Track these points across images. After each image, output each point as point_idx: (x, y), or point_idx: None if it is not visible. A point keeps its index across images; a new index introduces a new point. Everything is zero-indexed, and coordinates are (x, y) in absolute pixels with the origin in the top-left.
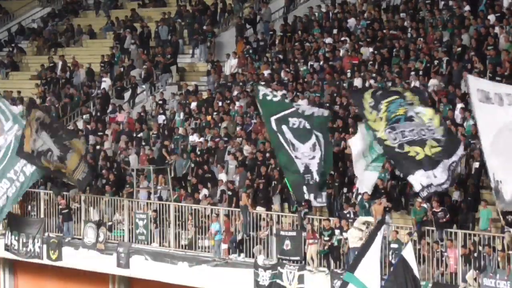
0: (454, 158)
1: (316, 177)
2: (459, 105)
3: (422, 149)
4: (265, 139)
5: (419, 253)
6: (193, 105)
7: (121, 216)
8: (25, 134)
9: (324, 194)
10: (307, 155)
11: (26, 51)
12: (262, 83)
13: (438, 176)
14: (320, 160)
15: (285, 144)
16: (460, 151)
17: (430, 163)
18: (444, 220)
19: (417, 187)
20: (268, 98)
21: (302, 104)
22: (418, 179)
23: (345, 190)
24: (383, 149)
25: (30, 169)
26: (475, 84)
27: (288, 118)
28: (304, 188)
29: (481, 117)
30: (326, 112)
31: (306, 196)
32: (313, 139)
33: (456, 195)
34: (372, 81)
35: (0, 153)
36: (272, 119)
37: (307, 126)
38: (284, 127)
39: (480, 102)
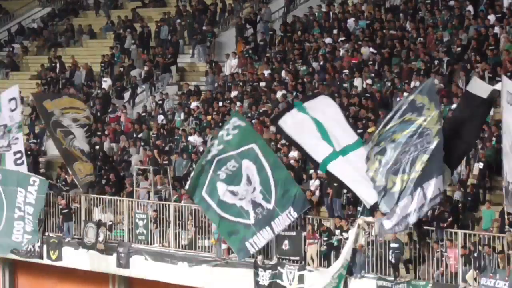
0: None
1: (265, 205)
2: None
3: (402, 177)
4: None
5: (419, 253)
6: (193, 105)
7: (106, 214)
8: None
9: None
10: (249, 191)
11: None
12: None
13: (426, 188)
14: (264, 185)
15: (223, 211)
16: (438, 185)
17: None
18: (445, 224)
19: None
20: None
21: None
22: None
23: (345, 190)
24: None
25: (33, 195)
26: (507, 85)
27: (218, 169)
28: (247, 244)
29: (507, 119)
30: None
31: (251, 252)
32: (244, 174)
33: (457, 195)
34: (369, 81)
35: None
36: (204, 193)
37: (234, 163)
38: (219, 184)
39: (508, 104)
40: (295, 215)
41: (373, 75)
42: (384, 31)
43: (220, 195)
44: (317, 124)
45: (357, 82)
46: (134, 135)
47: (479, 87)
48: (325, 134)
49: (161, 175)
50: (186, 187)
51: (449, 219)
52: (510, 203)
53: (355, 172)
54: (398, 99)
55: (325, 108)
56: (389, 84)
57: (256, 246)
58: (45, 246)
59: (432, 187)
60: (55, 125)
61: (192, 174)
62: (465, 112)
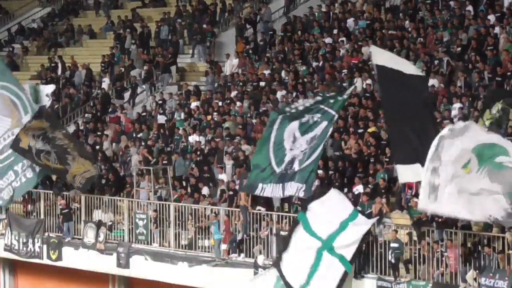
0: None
1: (296, 165)
2: (457, 105)
3: None
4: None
5: (419, 253)
6: (193, 105)
7: (106, 214)
8: (21, 131)
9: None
10: (299, 147)
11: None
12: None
13: None
14: (310, 150)
15: (275, 142)
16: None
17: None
18: (440, 220)
19: None
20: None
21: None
22: None
23: (345, 190)
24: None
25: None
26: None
27: (304, 114)
28: (261, 184)
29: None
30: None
31: (257, 191)
32: (314, 132)
33: None
34: (369, 81)
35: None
36: (280, 116)
37: (312, 121)
38: (294, 122)
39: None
40: (302, 194)
41: (373, 72)
42: (384, 31)
43: (285, 133)
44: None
45: (357, 82)
46: (134, 135)
47: (384, 57)
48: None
49: (153, 174)
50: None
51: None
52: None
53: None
54: None
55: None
56: None
57: (263, 192)
58: (45, 246)
59: None
60: (38, 155)
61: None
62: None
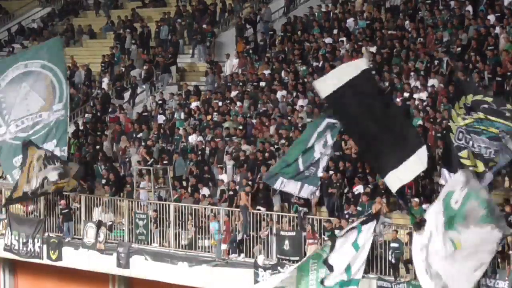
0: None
1: (319, 170)
2: None
3: (473, 160)
4: (265, 139)
5: None
6: (193, 105)
7: (106, 214)
8: (20, 181)
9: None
10: (324, 151)
11: None
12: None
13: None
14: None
15: (307, 148)
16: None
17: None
18: None
19: (442, 181)
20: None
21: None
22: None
23: (345, 190)
24: (446, 138)
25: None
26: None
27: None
28: (281, 177)
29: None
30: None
31: (276, 186)
32: (333, 136)
33: None
34: None
35: (38, 125)
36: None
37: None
38: (334, 130)
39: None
40: (312, 196)
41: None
42: (384, 31)
43: (322, 138)
44: None
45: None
46: (134, 135)
47: (327, 84)
48: None
49: (153, 174)
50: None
51: None
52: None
53: None
54: (398, 99)
55: None
56: (386, 83)
57: (282, 186)
58: (45, 246)
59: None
60: (35, 193)
61: None
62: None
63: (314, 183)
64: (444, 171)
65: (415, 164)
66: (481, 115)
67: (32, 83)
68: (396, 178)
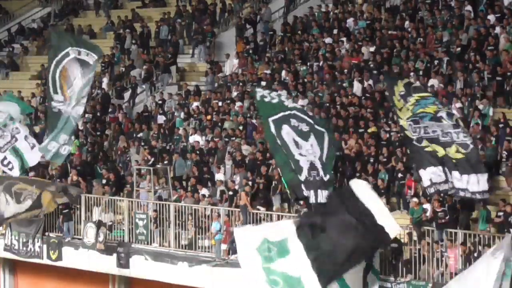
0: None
1: (322, 174)
2: (457, 105)
3: (443, 149)
4: (265, 139)
5: (419, 253)
6: (193, 105)
7: (106, 214)
8: None
9: (327, 192)
10: (311, 153)
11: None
12: (263, 84)
13: (456, 180)
14: (322, 159)
15: (282, 146)
16: (482, 186)
17: (449, 163)
18: (443, 221)
19: (425, 182)
20: (266, 100)
21: (299, 108)
22: (428, 175)
23: None
24: (403, 138)
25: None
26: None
27: (289, 118)
28: (303, 186)
29: None
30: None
31: (305, 194)
32: (312, 139)
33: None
34: (371, 81)
35: None
36: (270, 120)
37: (305, 129)
38: (285, 126)
39: None
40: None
41: (375, 72)
42: (384, 31)
43: (285, 136)
44: None
45: (356, 83)
46: (134, 135)
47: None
48: None
49: (153, 175)
50: (257, 100)
51: (447, 217)
52: None
53: None
54: None
55: None
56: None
57: (312, 198)
58: (45, 246)
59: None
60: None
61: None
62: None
63: (327, 187)
64: (421, 172)
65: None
66: (415, 96)
67: (84, 74)
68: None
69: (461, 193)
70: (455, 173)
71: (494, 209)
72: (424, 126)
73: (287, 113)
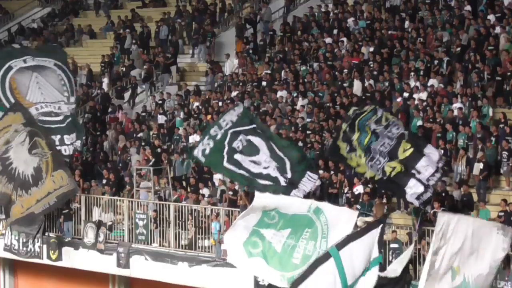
0: (431, 168)
1: (289, 172)
2: (457, 105)
3: (397, 162)
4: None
5: (419, 253)
6: (193, 105)
7: (106, 214)
8: None
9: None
10: (269, 160)
11: None
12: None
13: (423, 172)
14: (282, 159)
15: (250, 175)
16: (434, 159)
17: (411, 168)
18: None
19: (414, 201)
20: (207, 151)
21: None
22: (411, 191)
23: (345, 190)
24: (378, 185)
25: None
26: None
27: (232, 145)
28: (293, 191)
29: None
30: (241, 107)
31: (298, 194)
32: (259, 146)
33: (456, 195)
34: (372, 81)
35: (59, 117)
36: (226, 165)
37: (247, 143)
38: (237, 157)
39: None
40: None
41: (376, 73)
42: (384, 31)
43: (244, 165)
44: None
45: (356, 83)
46: (134, 135)
47: None
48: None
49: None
50: (203, 161)
51: None
52: None
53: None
54: (398, 99)
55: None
56: (386, 83)
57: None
58: (45, 246)
59: (427, 167)
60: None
61: (203, 148)
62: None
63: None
64: (407, 197)
65: None
66: (355, 132)
67: (44, 75)
68: None
69: (438, 180)
70: (421, 167)
71: (494, 209)
72: (379, 152)
73: (227, 141)
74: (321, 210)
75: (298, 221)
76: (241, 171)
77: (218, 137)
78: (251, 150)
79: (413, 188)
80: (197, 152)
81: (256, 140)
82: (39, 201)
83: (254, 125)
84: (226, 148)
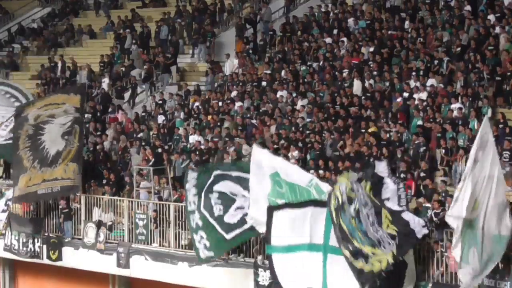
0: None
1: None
2: (457, 105)
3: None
4: (263, 139)
5: (419, 253)
6: (193, 105)
7: (106, 214)
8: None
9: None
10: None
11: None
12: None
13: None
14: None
15: (236, 223)
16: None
17: (396, 220)
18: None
19: (424, 230)
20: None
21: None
22: (417, 229)
23: None
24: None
25: None
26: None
27: (214, 214)
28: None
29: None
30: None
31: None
32: (233, 193)
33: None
34: (372, 81)
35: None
36: (224, 234)
37: (216, 191)
38: (226, 218)
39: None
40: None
41: (375, 73)
42: (384, 31)
43: (235, 220)
44: None
45: (356, 83)
46: (134, 135)
47: None
48: None
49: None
50: (213, 255)
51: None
52: None
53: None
54: (398, 99)
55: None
56: (387, 83)
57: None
58: (45, 246)
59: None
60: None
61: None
62: None
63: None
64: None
65: None
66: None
67: None
68: None
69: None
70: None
71: None
72: (375, 231)
73: (208, 213)
74: (323, 192)
75: (302, 193)
76: (240, 230)
77: (198, 217)
78: (227, 200)
79: (416, 227)
80: (202, 253)
81: (223, 186)
82: (45, 182)
83: (212, 176)
84: (211, 220)
